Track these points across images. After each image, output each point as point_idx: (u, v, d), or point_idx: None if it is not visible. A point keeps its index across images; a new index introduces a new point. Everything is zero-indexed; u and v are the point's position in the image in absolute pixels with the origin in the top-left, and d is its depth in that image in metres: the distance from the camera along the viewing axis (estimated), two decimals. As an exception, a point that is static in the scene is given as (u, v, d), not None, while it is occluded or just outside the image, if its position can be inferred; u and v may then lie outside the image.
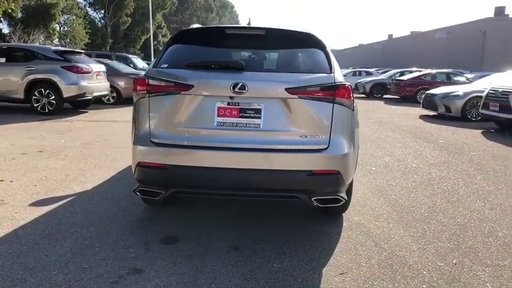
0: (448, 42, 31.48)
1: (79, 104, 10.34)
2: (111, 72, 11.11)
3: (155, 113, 2.56)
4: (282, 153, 2.48)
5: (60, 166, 4.74)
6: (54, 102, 9.04)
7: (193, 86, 2.46)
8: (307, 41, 2.79)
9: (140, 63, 15.18)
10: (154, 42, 36.17)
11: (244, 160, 2.47)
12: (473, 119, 10.07)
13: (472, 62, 26.20)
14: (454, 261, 2.63)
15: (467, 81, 15.05)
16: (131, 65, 14.14)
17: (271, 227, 3.10)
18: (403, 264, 2.58)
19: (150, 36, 32.77)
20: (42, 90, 8.99)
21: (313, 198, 2.55)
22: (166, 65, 2.64)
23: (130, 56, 15.77)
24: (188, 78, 2.48)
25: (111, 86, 11.00)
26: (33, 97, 9.02)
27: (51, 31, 29.88)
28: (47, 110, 9.07)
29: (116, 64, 12.36)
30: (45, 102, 9.04)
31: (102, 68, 10.22)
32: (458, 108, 10.16)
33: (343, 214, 3.37)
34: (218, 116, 2.49)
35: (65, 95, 9.04)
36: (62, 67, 8.96)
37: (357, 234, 3.02)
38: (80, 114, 9.54)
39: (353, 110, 2.69)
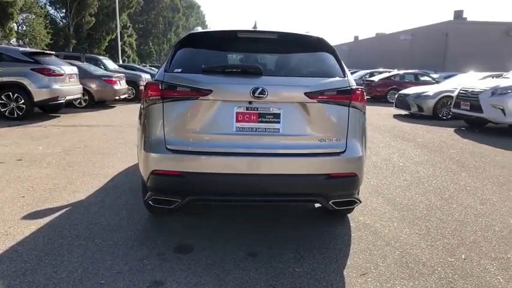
0: (413, 43, 32.88)
1: (49, 108, 9.86)
2: (82, 75, 10.65)
3: (170, 118, 2.48)
4: (302, 157, 2.48)
5: (45, 175, 4.48)
6: (23, 106, 8.55)
7: (211, 91, 2.41)
8: (317, 45, 2.81)
9: (111, 64, 14.69)
10: (120, 43, 35.07)
11: (264, 165, 2.45)
12: (444, 117, 10.56)
13: (435, 62, 27.52)
14: (463, 257, 2.74)
15: (433, 81, 15.76)
16: (102, 67, 13.65)
17: (281, 231, 3.09)
18: (417, 262, 2.66)
19: (117, 37, 31.81)
20: (10, 94, 8.48)
21: (330, 202, 2.57)
22: (180, 70, 2.56)
23: (100, 57, 15.21)
24: (206, 83, 2.43)
25: (83, 89, 10.56)
26: (0, 101, 8.49)
27: (8, 31, 28.29)
28: (15, 115, 8.56)
29: (86, 66, 11.89)
30: (13, 107, 8.53)
31: (75, 70, 9.80)
32: (430, 107, 10.62)
33: (349, 215, 3.42)
34: (237, 121, 2.46)
35: (36, 99, 8.58)
36: (32, 69, 8.49)
37: (366, 234, 3.08)
38: (52, 119, 9.08)
39: (364, 112, 2.74)
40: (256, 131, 2.46)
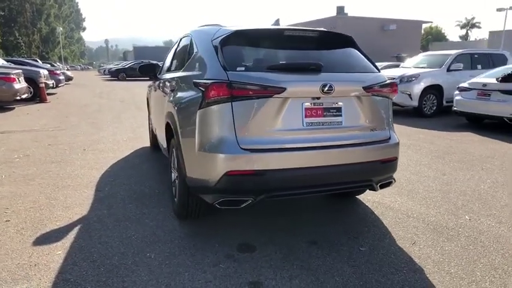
0: (305, 36, 35.46)
1: None
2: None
3: (242, 118, 2.43)
4: (360, 146, 2.71)
5: (8, 193, 3.78)
6: None
7: (285, 89, 2.45)
8: (348, 42, 3.05)
9: (-3, 59, 12.45)
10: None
11: (332, 157, 2.60)
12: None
13: (328, 54, 30.38)
14: (467, 217, 3.35)
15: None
16: (-13, 62, 11.51)
17: (314, 219, 3.28)
18: (442, 226, 3.15)
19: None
20: None
21: (378, 184, 2.87)
22: (243, 68, 2.51)
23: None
24: (280, 81, 2.45)
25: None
26: None
27: None
28: None
29: (-27, 61, 9.90)
30: None
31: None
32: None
33: (357, 196, 3.79)
34: (305, 116, 2.55)
35: None
36: None
37: (385, 210, 3.48)
38: None
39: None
40: (322, 125, 2.60)
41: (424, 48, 38.65)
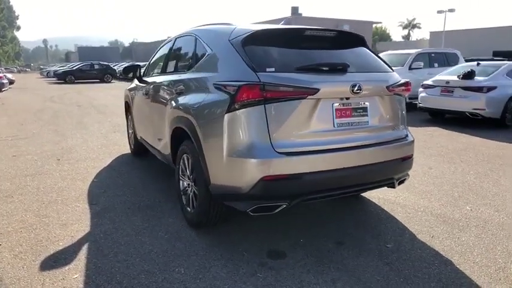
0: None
1: None
2: None
3: (275, 121, 2.34)
4: (385, 145, 2.73)
5: (-12, 213, 3.37)
6: None
7: (318, 90, 2.40)
8: (361, 42, 3.07)
9: None
10: None
11: (362, 157, 2.60)
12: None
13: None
14: (469, 208, 3.52)
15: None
16: None
17: (331, 219, 3.29)
18: (450, 218, 3.29)
19: None
20: None
21: (398, 181, 2.92)
22: (272, 69, 2.42)
23: None
24: (313, 82, 2.39)
25: None
26: None
27: None
28: None
29: None
30: None
31: None
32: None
33: (362, 194, 3.85)
34: (336, 117, 2.52)
35: None
36: None
37: (393, 207, 3.55)
38: None
39: None
40: (352, 125, 2.59)
41: (372, 48, 40.53)
